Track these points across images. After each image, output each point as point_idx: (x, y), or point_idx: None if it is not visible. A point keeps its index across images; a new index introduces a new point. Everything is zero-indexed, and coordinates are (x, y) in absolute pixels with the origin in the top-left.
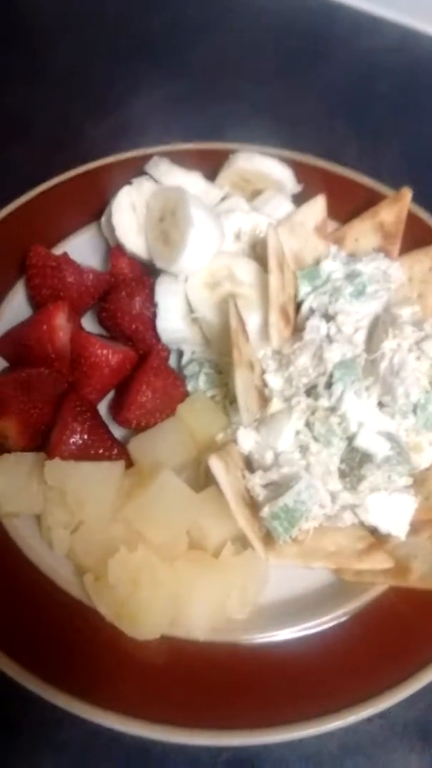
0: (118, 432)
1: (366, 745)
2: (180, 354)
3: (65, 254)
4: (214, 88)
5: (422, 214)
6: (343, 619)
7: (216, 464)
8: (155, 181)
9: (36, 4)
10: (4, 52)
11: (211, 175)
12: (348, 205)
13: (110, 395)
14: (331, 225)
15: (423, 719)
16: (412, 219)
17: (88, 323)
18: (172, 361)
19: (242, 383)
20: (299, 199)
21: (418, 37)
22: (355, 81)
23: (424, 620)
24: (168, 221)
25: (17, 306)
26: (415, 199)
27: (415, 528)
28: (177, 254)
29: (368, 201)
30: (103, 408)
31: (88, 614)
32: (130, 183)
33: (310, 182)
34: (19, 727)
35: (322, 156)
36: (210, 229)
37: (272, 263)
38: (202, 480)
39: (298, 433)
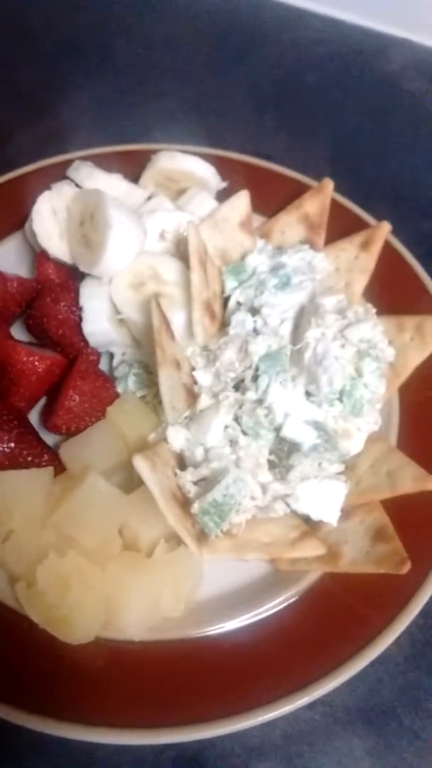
0: (51, 439)
1: (309, 733)
2: (111, 357)
3: None
4: (142, 88)
5: (348, 203)
6: (280, 608)
7: (141, 464)
8: (77, 185)
9: None
10: None
11: (136, 175)
12: (274, 199)
13: (42, 402)
14: (259, 219)
15: (364, 704)
16: (339, 209)
17: (18, 332)
18: (104, 365)
19: (166, 382)
20: (225, 196)
21: (344, 27)
22: (283, 74)
23: (360, 604)
24: (88, 224)
25: None
26: (344, 190)
27: (347, 513)
28: (98, 257)
29: (294, 194)
30: (36, 417)
31: (22, 623)
32: (50, 188)
33: (235, 178)
34: None
35: (250, 152)
36: (130, 229)
37: (194, 261)
38: (136, 481)
39: (226, 427)
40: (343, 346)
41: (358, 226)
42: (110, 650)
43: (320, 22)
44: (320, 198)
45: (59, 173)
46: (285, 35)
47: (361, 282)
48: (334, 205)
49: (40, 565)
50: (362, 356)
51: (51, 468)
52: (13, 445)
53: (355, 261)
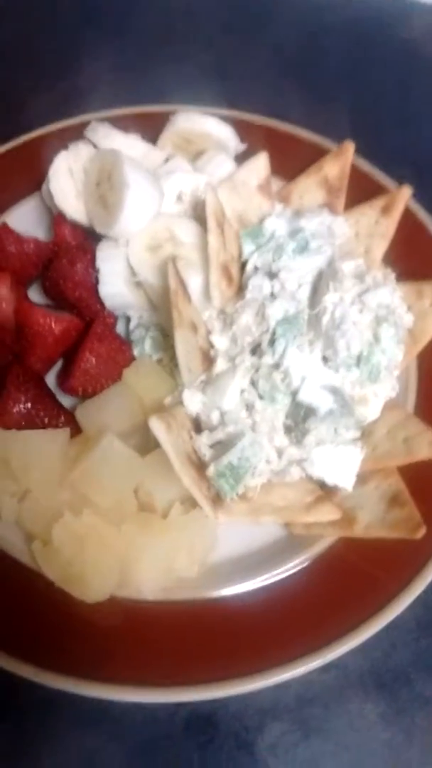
0: (68, 400)
1: (322, 696)
2: (128, 320)
3: (5, 224)
4: (161, 51)
5: (368, 167)
6: (295, 571)
7: (156, 425)
8: (94, 146)
9: None
10: None
11: (154, 137)
12: (293, 162)
13: (59, 364)
14: (278, 183)
15: (378, 668)
16: (359, 173)
17: (36, 294)
18: (121, 328)
19: (183, 344)
20: (244, 159)
21: None
22: (303, 38)
23: (374, 569)
24: (105, 185)
25: None
26: (365, 153)
27: (362, 479)
28: (115, 217)
29: (314, 157)
30: (53, 379)
31: (39, 581)
32: (66, 148)
33: (253, 141)
34: None
35: (270, 115)
36: (147, 190)
37: (211, 223)
38: (152, 444)
39: (243, 391)
40: (361, 311)
41: (379, 190)
42: (125, 609)
43: None
44: (340, 161)
45: (77, 134)
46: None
47: (380, 247)
48: (355, 169)
49: (55, 523)
50: (380, 322)
51: (67, 429)
52: (29, 405)
53: (375, 226)
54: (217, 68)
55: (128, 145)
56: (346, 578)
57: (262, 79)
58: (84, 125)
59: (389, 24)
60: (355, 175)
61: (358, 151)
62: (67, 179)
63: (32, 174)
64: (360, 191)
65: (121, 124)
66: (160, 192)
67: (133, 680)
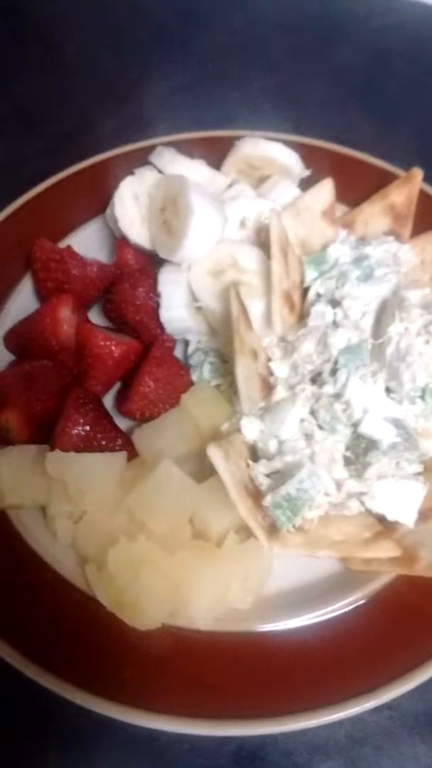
0: (124, 424)
1: (374, 736)
2: (187, 344)
3: (69, 247)
4: (225, 75)
5: None
6: (351, 608)
7: (215, 453)
8: (159, 171)
9: None
10: (16, 44)
11: (218, 162)
12: (358, 188)
13: (117, 387)
14: (342, 209)
15: None
16: (426, 199)
17: (96, 317)
18: (179, 352)
19: (243, 372)
20: (308, 184)
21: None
22: (368, 62)
23: None
24: (170, 210)
25: (24, 300)
26: (429, 180)
27: (425, 515)
28: (179, 243)
29: (379, 183)
30: (110, 401)
31: (91, 605)
32: (132, 174)
33: (318, 166)
34: (25, 717)
35: (334, 139)
36: (212, 216)
37: (275, 249)
38: (207, 471)
39: (302, 420)
40: (427, 342)
41: None
42: (176, 638)
43: (407, 7)
44: (408, 188)
45: (142, 159)
46: (371, 21)
47: None
48: (422, 195)
49: (111, 548)
50: None
51: (124, 453)
52: (88, 428)
53: None
54: (282, 91)
55: (193, 170)
56: (403, 617)
57: (328, 103)
58: (149, 150)
59: None
60: (423, 201)
61: (426, 176)
62: (131, 204)
63: (96, 197)
64: (427, 218)
65: (186, 148)
66: (224, 218)
67: (180, 711)
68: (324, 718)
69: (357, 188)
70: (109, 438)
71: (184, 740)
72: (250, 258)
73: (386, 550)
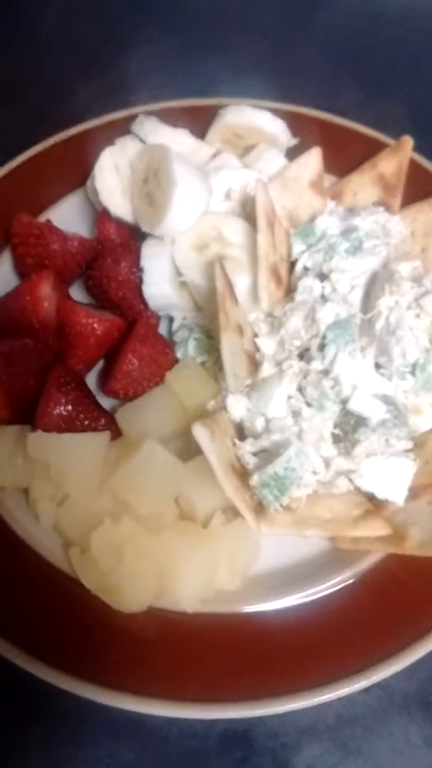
0: (108, 402)
1: (364, 716)
2: (171, 320)
3: (48, 221)
4: (210, 41)
5: (427, 164)
6: (339, 587)
7: (200, 432)
8: (141, 141)
9: None
10: None
11: (203, 131)
12: (347, 158)
13: (100, 365)
14: (331, 179)
15: (423, 690)
16: (416, 170)
17: (78, 292)
18: (164, 328)
19: (229, 348)
20: (295, 153)
21: None
22: (357, 28)
23: (423, 588)
24: (152, 182)
25: (3, 277)
26: (420, 148)
27: (414, 493)
28: (162, 215)
29: (368, 152)
30: (94, 380)
31: (76, 588)
32: (113, 144)
33: (306, 135)
34: (13, 702)
35: (323, 107)
36: (196, 187)
37: (261, 222)
38: (193, 450)
39: (289, 398)
40: (418, 315)
41: None
42: (162, 621)
43: None
44: (397, 157)
45: (123, 129)
46: None
47: None
48: (412, 164)
49: (94, 531)
50: None
51: (108, 432)
52: (70, 407)
53: None
54: (269, 58)
55: (176, 140)
56: (393, 597)
57: (316, 70)
58: (131, 119)
59: None
60: (413, 171)
61: (416, 146)
62: (112, 176)
63: (77, 169)
64: (417, 188)
65: (169, 117)
66: (209, 189)
67: (168, 694)
68: (313, 699)
69: (346, 157)
70: (92, 418)
71: (173, 723)
72: (235, 231)
73: (376, 528)
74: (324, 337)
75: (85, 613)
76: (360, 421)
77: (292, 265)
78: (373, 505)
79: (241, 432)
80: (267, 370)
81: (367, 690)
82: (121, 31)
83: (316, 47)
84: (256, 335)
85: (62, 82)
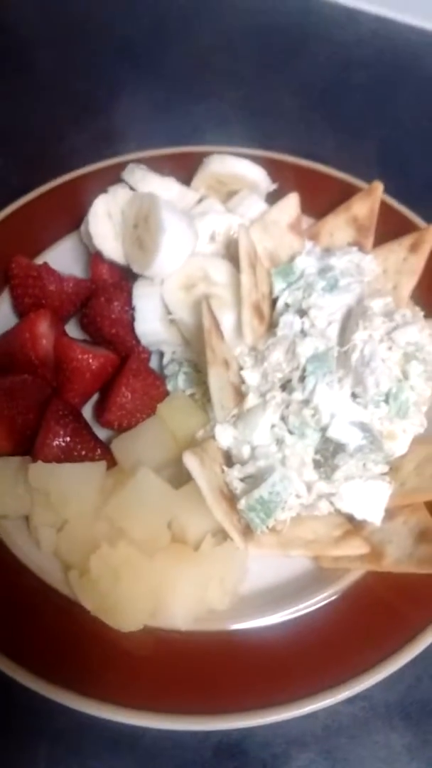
0: (103, 433)
1: (349, 726)
2: (161, 355)
3: (46, 264)
4: (192, 89)
5: (397, 205)
6: (322, 604)
7: (190, 460)
8: (131, 188)
9: (14, 16)
10: None
11: (188, 177)
12: (323, 201)
13: (95, 398)
14: (308, 221)
15: (404, 700)
16: (388, 211)
17: (73, 329)
18: (155, 363)
19: (216, 381)
20: (275, 198)
21: (394, 25)
22: (332, 74)
23: (401, 603)
24: (142, 227)
25: (3, 316)
26: (394, 190)
27: (391, 514)
28: (151, 259)
29: (343, 195)
30: (89, 411)
31: (75, 609)
32: (105, 191)
33: (284, 180)
34: (14, 718)
35: (300, 152)
36: (183, 232)
37: (244, 263)
38: (184, 477)
39: (273, 426)
40: (390, 348)
41: (407, 227)
42: (157, 639)
43: (370, 21)
44: (369, 201)
45: (114, 175)
46: (334, 35)
47: (409, 284)
48: (383, 206)
49: (92, 555)
50: (409, 359)
51: (104, 462)
52: (68, 439)
53: (403, 263)
54: (248, 105)
55: (164, 187)
56: (373, 611)
57: (292, 116)
58: (121, 166)
59: (417, 59)
60: (384, 212)
61: (386, 187)
62: (105, 221)
63: (71, 214)
64: (389, 228)
65: (156, 164)
66: (195, 233)
67: (163, 708)
68: (300, 710)
69: (322, 201)
70: (89, 448)
71: (167, 737)
72: (220, 271)
73: (355, 547)
74: (304, 370)
75: (84, 632)
76: (339, 447)
77: (274, 302)
78: (353, 525)
79: (229, 459)
80: (252, 400)
81: (351, 701)
82: (107, 81)
83: (290, 95)
84: (241, 368)
85: (54, 130)
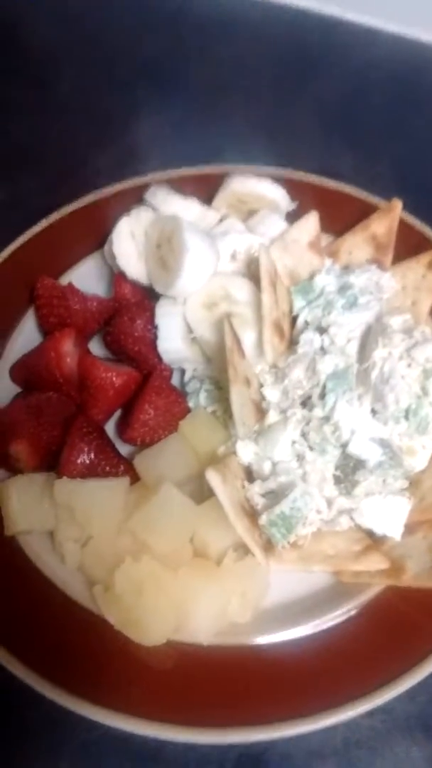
0: (125, 449)
1: (369, 739)
2: (183, 372)
3: (70, 284)
4: (213, 109)
5: (416, 223)
6: (343, 618)
7: (213, 476)
8: (153, 209)
9: (36, 35)
10: (7, 84)
11: (209, 196)
12: (342, 219)
13: (118, 414)
14: (327, 238)
15: (424, 713)
16: (406, 228)
17: (96, 347)
18: (176, 380)
19: (238, 399)
20: (295, 216)
21: (413, 45)
22: (350, 94)
23: (421, 617)
24: (165, 248)
25: (28, 334)
26: (412, 208)
27: (410, 529)
28: (174, 279)
29: (362, 213)
30: (112, 427)
31: (99, 623)
32: (128, 213)
33: (304, 199)
34: (38, 730)
35: (318, 171)
36: (205, 253)
37: (264, 282)
38: (206, 492)
39: (294, 443)
40: (409, 365)
41: (426, 245)
42: (180, 653)
43: (388, 40)
44: (388, 218)
45: (136, 196)
46: (352, 54)
47: (427, 300)
48: (402, 224)
49: (117, 569)
50: (428, 375)
51: (127, 478)
52: (92, 455)
53: (422, 280)
54: (268, 124)
55: (186, 207)
56: (393, 625)
57: (312, 135)
58: (143, 187)
59: None
60: (403, 229)
61: (405, 204)
62: (129, 242)
63: (94, 234)
64: (407, 245)
65: (178, 184)
66: (217, 253)
67: (185, 721)
68: (321, 722)
69: (341, 219)
70: (112, 464)
71: (190, 749)
72: (241, 290)
73: (375, 562)
74: (324, 387)
75: (108, 646)
76: (359, 464)
77: (294, 320)
78: (373, 540)
79: (250, 475)
80: (273, 417)
81: (371, 713)
82: (129, 101)
83: (310, 114)
84: (261, 385)
85: (75, 150)
